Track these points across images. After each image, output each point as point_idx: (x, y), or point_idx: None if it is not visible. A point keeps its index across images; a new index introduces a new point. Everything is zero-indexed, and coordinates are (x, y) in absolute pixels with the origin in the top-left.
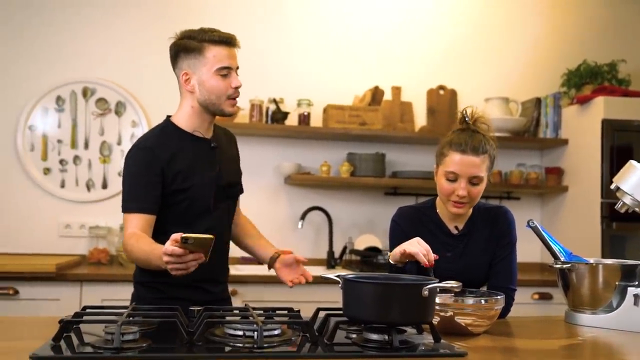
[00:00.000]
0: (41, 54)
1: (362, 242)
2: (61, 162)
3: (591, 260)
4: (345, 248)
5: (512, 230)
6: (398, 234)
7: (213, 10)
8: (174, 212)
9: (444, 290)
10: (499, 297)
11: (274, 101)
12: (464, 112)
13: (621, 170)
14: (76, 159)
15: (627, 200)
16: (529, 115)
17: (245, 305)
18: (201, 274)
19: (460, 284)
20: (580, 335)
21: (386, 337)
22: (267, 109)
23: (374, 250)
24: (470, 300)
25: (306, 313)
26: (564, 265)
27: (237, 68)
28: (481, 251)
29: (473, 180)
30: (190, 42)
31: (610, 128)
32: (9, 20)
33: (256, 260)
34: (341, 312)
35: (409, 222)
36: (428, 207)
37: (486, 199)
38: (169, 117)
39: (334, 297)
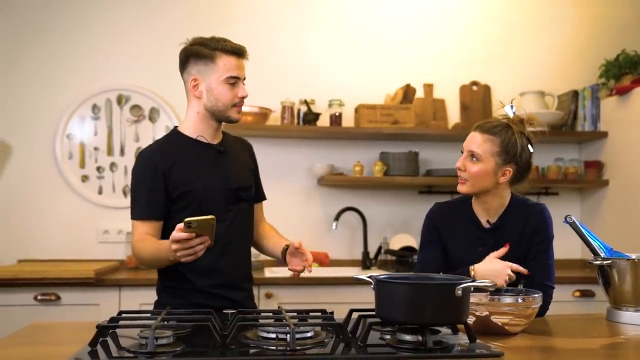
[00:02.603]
0: (76, 64)
1: (397, 242)
2: (98, 169)
3: (633, 256)
4: (380, 248)
5: (548, 227)
6: (429, 229)
7: (241, 14)
8: (184, 216)
9: (480, 289)
10: (536, 295)
11: (305, 102)
12: (507, 107)
13: None
14: (112, 165)
15: None
16: (566, 108)
17: (279, 307)
18: (219, 279)
19: (495, 282)
20: (623, 333)
21: (420, 338)
22: (299, 110)
23: (409, 250)
24: (506, 299)
25: (340, 315)
26: (604, 262)
27: (244, 79)
28: (514, 246)
29: (472, 157)
30: (202, 49)
31: None
32: (43, 31)
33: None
34: (375, 313)
35: (442, 217)
36: (463, 202)
37: (524, 195)
38: (175, 127)
39: (369, 298)
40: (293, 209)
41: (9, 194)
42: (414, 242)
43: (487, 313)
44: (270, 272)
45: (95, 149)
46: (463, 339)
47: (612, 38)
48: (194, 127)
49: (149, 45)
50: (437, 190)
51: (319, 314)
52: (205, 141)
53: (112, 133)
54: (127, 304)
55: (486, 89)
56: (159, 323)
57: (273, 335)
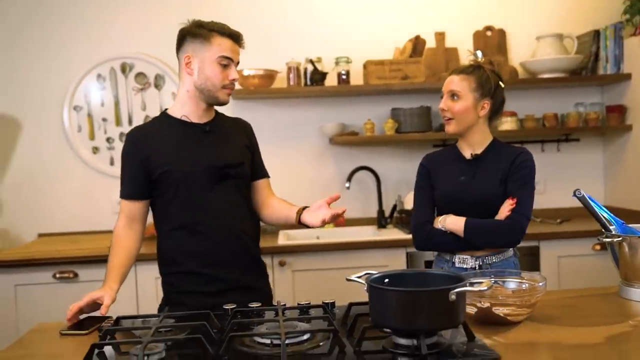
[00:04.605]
0: (78, 34)
1: (412, 200)
2: (108, 140)
3: None
4: (395, 207)
5: (526, 169)
6: (421, 175)
7: None
8: (170, 195)
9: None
10: (540, 283)
11: (311, 62)
12: (475, 54)
13: None
14: (122, 135)
15: None
16: (586, 50)
17: (278, 303)
18: (209, 260)
19: (490, 283)
20: (634, 316)
21: (415, 342)
22: (305, 69)
23: None
24: (509, 288)
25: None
26: (615, 239)
27: (237, 63)
28: (493, 176)
29: (453, 96)
30: (199, 29)
31: None
32: (42, 3)
33: (290, 224)
34: None
35: (431, 161)
36: (450, 146)
37: (542, 142)
38: (166, 109)
39: (384, 262)
40: (306, 170)
41: (23, 169)
42: None
43: (489, 304)
44: (285, 239)
45: (104, 119)
46: (461, 337)
47: None
48: (181, 107)
49: (150, 12)
50: (452, 142)
51: (321, 309)
52: (189, 121)
53: (119, 103)
54: (143, 278)
55: (501, 34)
56: (150, 338)
57: (268, 341)
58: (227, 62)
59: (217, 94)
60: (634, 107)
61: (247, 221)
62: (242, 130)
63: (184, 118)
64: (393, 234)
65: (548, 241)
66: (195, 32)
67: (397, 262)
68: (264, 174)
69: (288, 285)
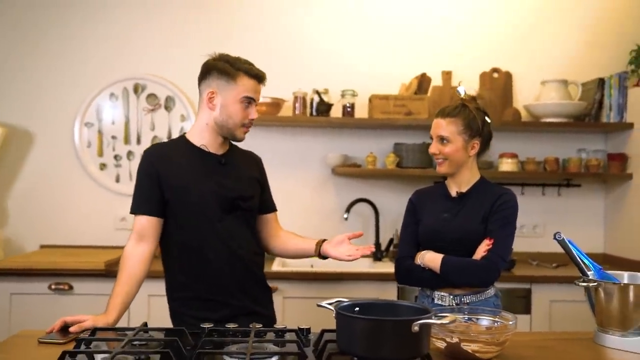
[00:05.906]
0: (93, 53)
1: None
2: (116, 157)
3: (625, 280)
4: (392, 240)
5: (508, 210)
6: (409, 212)
7: (253, 2)
8: (180, 220)
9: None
10: (511, 322)
11: (317, 93)
12: (458, 91)
13: None
14: (129, 154)
15: None
16: (590, 97)
17: (253, 325)
18: (218, 286)
19: (454, 318)
20: None
21: None
22: (312, 100)
23: None
24: (483, 322)
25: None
26: (590, 284)
27: (257, 103)
28: (475, 214)
29: (442, 140)
30: (227, 66)
31: None
32: (60, 21)
33: (304, 256)
34: None
35: (419, 198)
36: (440, 184)
37: (543, 186)
38: (184, 133)
39: (374, 294)
40: (306, 198)
41: (31, 180)
42: None
43: (457, 340)
44: (279, 265)
45: (113, 137)
46: None
47: None
48: (200, 136)
49: (163, 34)
50: None
51: (294, 334)
52: (207, 150)
53: (129, 122)
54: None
55: (507, 77)
56: (119, 350)
57: None
58: (248, 102)
59: (236, 132)
60: (635, 156)
61: (254, 250)
62: (254, 164)
63: (202, 147)
64: (387, 267)
65: (540, 284)
66: (221, 69)
67: (388, 295)
68: (273, 208)
69: (277, 311)
